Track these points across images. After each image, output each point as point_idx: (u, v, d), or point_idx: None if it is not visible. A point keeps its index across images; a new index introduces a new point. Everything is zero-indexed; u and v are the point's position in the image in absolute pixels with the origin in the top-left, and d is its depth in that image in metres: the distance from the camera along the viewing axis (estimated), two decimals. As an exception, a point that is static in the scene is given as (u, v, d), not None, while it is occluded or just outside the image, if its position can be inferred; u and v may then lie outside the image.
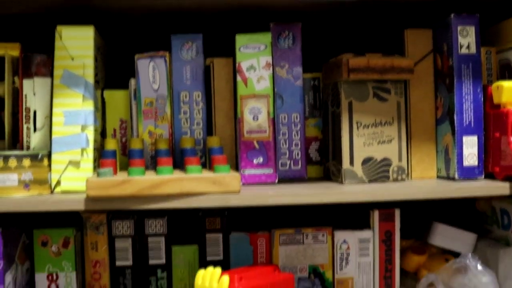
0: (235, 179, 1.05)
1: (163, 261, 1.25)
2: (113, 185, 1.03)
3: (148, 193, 1.04)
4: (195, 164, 1.09)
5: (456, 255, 1.32)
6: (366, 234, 1.24)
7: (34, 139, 1.16)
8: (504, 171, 1.14)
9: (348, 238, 1.24)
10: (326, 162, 1.26)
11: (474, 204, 1.38)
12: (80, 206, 1.05)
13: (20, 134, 1.17)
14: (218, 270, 1.07)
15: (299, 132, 1.21)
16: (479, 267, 1.17)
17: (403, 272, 1.32)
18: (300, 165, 1.22)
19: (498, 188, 1.12)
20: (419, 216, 1.43)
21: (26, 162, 1.09)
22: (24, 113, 1.17)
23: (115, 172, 1.12)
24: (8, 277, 1.12)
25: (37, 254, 1.21)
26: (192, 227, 1.30)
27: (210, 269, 1.07)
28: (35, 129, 1.16)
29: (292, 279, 1.13)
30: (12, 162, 1.08)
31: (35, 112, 1.16)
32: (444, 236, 1.31)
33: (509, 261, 1.25)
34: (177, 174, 1.07)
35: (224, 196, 1.05)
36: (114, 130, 1.25)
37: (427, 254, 1.33)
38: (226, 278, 1.05)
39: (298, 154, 1.21)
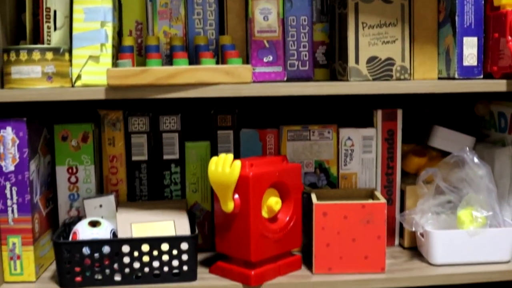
0: (247, 70, 1.11)
1: (176, 156, 1.32)
2: (132, 75, 1.09)
3: (165, 83, 1.10)
4: (209, 58, 1.15)
5: (454, 158, 1.39)
6: (369, 132, 1.31)
7: (55, 38, 1.21)
8: (501, 70, 1.20)
9: (352, 135, 1.31)
10: (332, 63, 1.32)
11: (473, 110, 1.44)
12: (100, 95, 1.12)
13: (41, 33, 1.22)
14: (231, 156, 1.13)
15: (307, 35, 1.27)
16: (476, 160, 1.23)
17: (404, 173, 1.38)
18: (307, 66, 1.27)
19: (495, 84, 1.18)
20: (420, 122, 1.49)
21: (49, 55, 1.15)
22: (44, 13, 1.22)
23: (133, 66, 1.18)
24: (32, 166, 1.18)
25: (57, 148, 1.28)
26: (204, 124, 1.36)
27: (223, 155, 1.14)
28: (55, 28, 1.21)
29: (299, 168, 1.20)
30: (36, 55, 1.14)
31: (55, 12, 1.21)
32: (444, 138, 1.38)
33: (504, 159, 1.32)
34: (192, 66, 1.13)
35: (237, 86, 1.11)
36: (130, 31, 1.30)
37: (427, 157, 1.39)
38: (238, 163, 1.12)
39: (305, 55, 1.27)
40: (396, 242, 1.35)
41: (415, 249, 1.31)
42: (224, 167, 1.12)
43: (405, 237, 1.33)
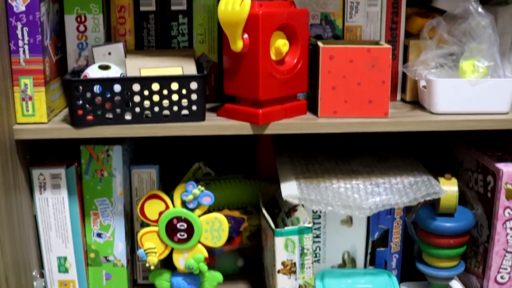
0: None
1: (184, 7, 1.33)
2: None
3: None
4: None
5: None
6: (375, -17, 1.33)
7: None
8: None
9: (357, -8, 1.33)
10: None
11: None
12: None
13: None
14: (240, -5, 1.15)
15: None
16: (480, 9, 1.25)
17: (407, 33, 1.40)
18: None
19: None
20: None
21: None
22: None
23: None
24: (43, 8, 1.19)
25: (66, -4, 1.29)
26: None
27: (233, -6, 1.16)
28: None
29: (306, 13, 1.22)
30: None
31: None
32: (448, -1, 1.39)
33: (507, 17, 1.34)
34: None
35: None
36: None
37: (430, 19, 1.41)
38: (248, 1, 1.13)
39: None
40: (398, 97, 1.39)
41: (417, 103, 1.35)
42: (234, 5, 1.14)
43: (407, 91, 1.36)
